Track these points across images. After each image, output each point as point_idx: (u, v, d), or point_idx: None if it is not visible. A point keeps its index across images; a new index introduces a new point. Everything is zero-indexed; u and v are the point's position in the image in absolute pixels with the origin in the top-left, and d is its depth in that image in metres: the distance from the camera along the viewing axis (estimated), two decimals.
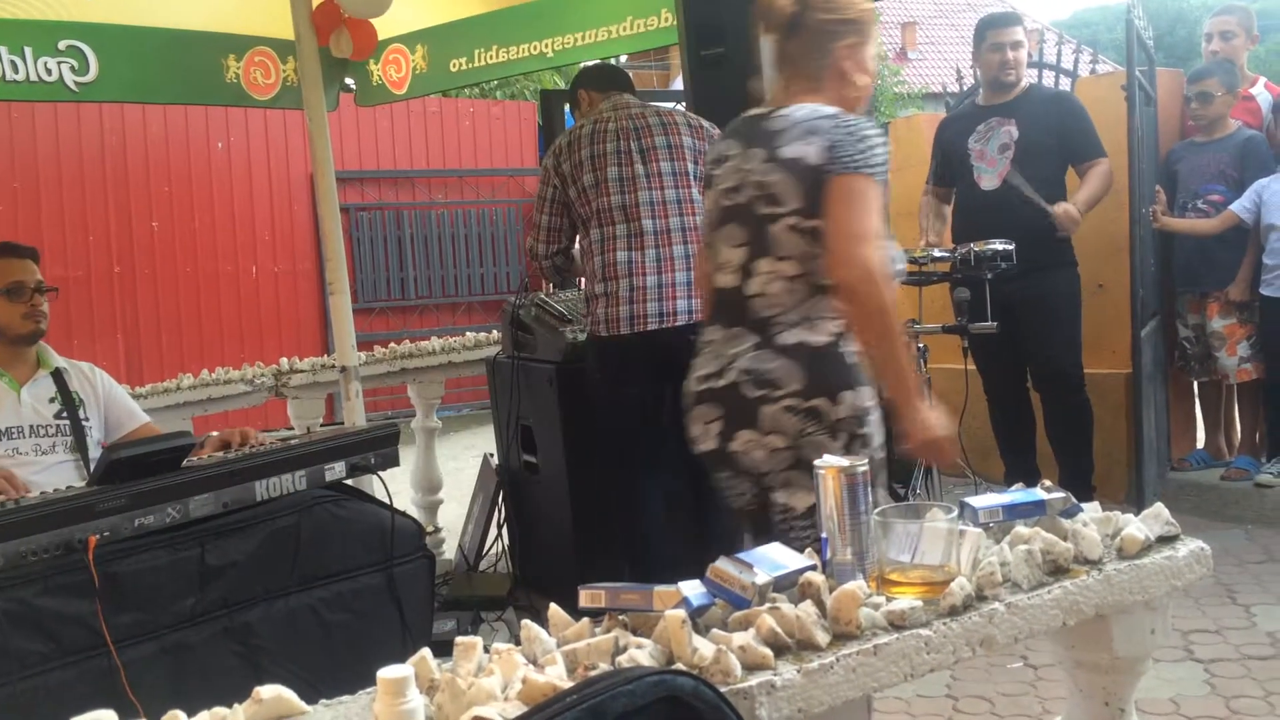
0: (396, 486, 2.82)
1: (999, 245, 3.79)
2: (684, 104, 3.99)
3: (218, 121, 7.73)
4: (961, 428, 4.12)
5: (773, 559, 1.50)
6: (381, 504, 2.61)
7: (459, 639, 1.32)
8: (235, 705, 1.25)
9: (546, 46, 4.28)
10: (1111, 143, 4.17)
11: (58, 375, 2.96)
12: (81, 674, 2.04)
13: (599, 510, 3.51)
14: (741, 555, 1.47)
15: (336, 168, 4.09)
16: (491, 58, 4.41)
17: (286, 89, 4.50)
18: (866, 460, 1.59)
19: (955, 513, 1.55)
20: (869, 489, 1.57)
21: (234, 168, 7.84)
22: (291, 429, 4.45)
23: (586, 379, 3.43)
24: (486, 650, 1.33)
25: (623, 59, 12.51)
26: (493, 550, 4.11)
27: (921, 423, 2.06)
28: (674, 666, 1.27)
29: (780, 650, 1.35)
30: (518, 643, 1.36)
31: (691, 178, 3.29)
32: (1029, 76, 4.61)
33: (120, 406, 3.06)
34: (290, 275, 8.07)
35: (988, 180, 4.22)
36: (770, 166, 2.11)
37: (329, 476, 2.49)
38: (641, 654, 1.29)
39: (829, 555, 1.56)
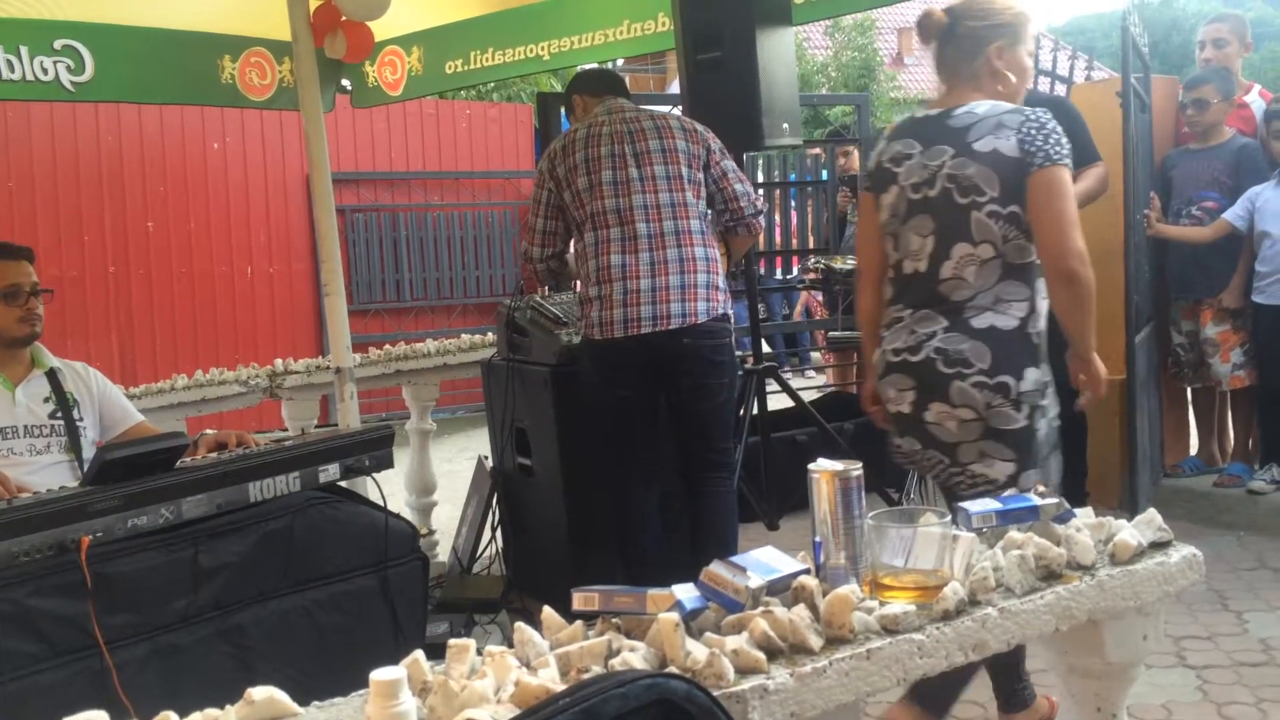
0: (391, 488, 2.82)
1: None
2: (680, 107, 4.00)
3: (214, 122, 7.72)
4: None
5: (766, 562, 1.50)
6: (375, 506, 2.61)
7: (452, 641, 1.32)
8: (227, 706, 1.25)
9: (543, 49, 4.28)
10: (1106, 149, 4.17)
11: (52, 375, 2.95)
12: (73, 675, 2.04)
13: (593, 513, 3.52)
14: (735, 559, 1.47)
15: (332, 169, 4.09)
16: (488, 60, 4.41)
17: (282, 90, 4.50)
18: (861, 465, 1.60)
19: (949, 517, 1.56)
20: (862, 493, 1.58)
21: (229, 168, 7.82)
22: (286, 430, 4.45)
23: (581, 382, 3.43)
24: (479, 652, 1.33)
25: (619, 62, 12.55)
26: (486, 553, 4.10)
27: (1095, 367, 2.38)
28: (667, 670, 1.27)
29: (773, 654, 1.35)
30: (511, 645, 1.36)
31: (685, 181, 3.29)
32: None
33: (115, 406, 3.05)
34: (285, 276, 8.05)
35: None
36: (964, 160, 2.34)
37: (323, 478, 2.49)
38: (634, 657, 1.29)
39: (822, 559, 1.56)
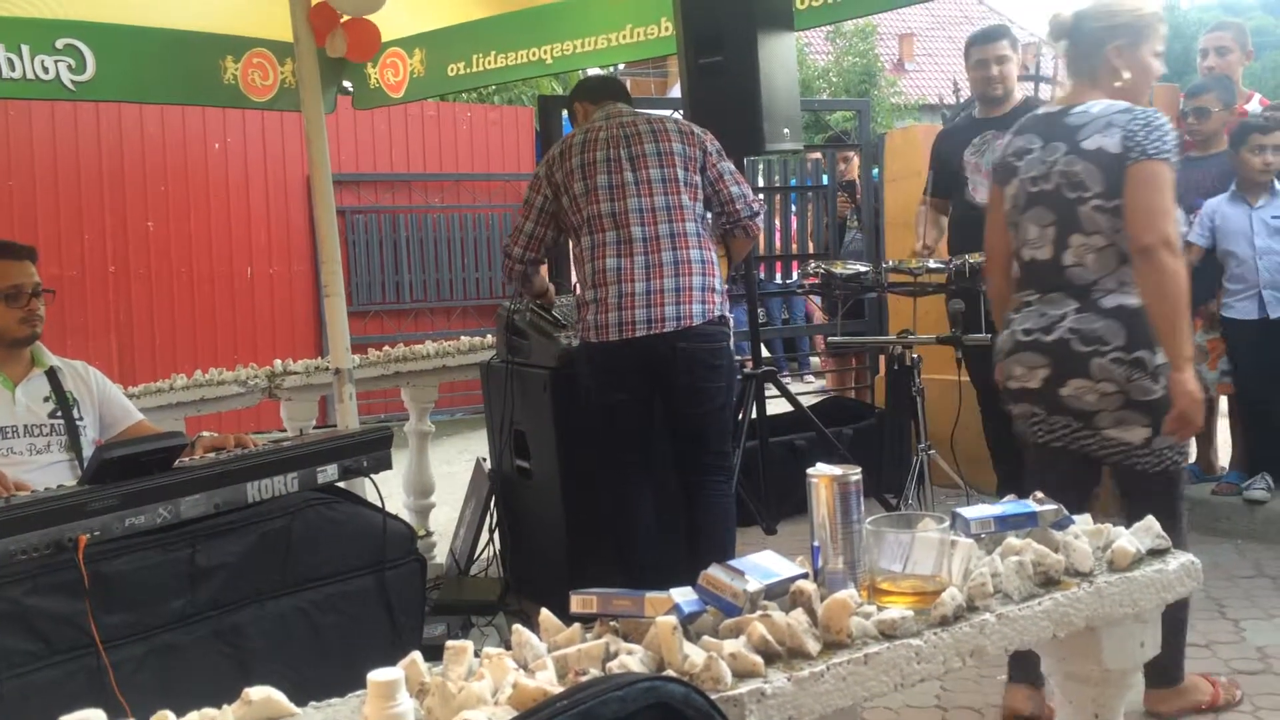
0: (389, 490, 2.82)
1: None
2: (681, 112, 4.00)
3: (215, 122, 7.72)
4: (954, 439, 4.13)
5: (764, 566, 1.50)
6: (373, 507, 2.61)
7: (450, 643, 1.32)
8: (225, 706, 1.25)
9: (545, 53, 4.29)
10: None
11: (52, 374, 2.95)
12: (70, 673, 2.04)
13: (591, 516, 3.51)
14: (733, 563, 1.47)
15: (333, 170, 4.09)
16: (490, 63, 4.41)
17: (284, 91, 4.50)
18: (859, 470, 1.60)
19: (947, 523, 1.56)
20: (861, 498, 1.58)
21: (230, 169, 7.82)
22: (284, 431, 4.45)
23: (579, 385, 3.43)
24: (477, 654, 1.33)
25: (620, 66, 12.56)
26: (484, 555, 4.10)
27: (1184, 385, 2.43)
28: (665, 673, 1.27)
29: (771, 658, 1.35)
30: (508, 647, 1.36)
31: (681, 184, 3.29)
32: (1025, 90, 4.61)
33: (115, 404, 3.05)
34: (285, 277, 8.05)
35: (982, 193, 4.21)
36: (1073, 157, 2.52)
37: (321, 479, 2.49)
38: (632, 660, 1.29)
39: (820, 563, 1.56)
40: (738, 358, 4.00)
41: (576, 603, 1.43)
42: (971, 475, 4.44)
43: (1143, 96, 2.62)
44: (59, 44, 3.93)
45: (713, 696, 1.21)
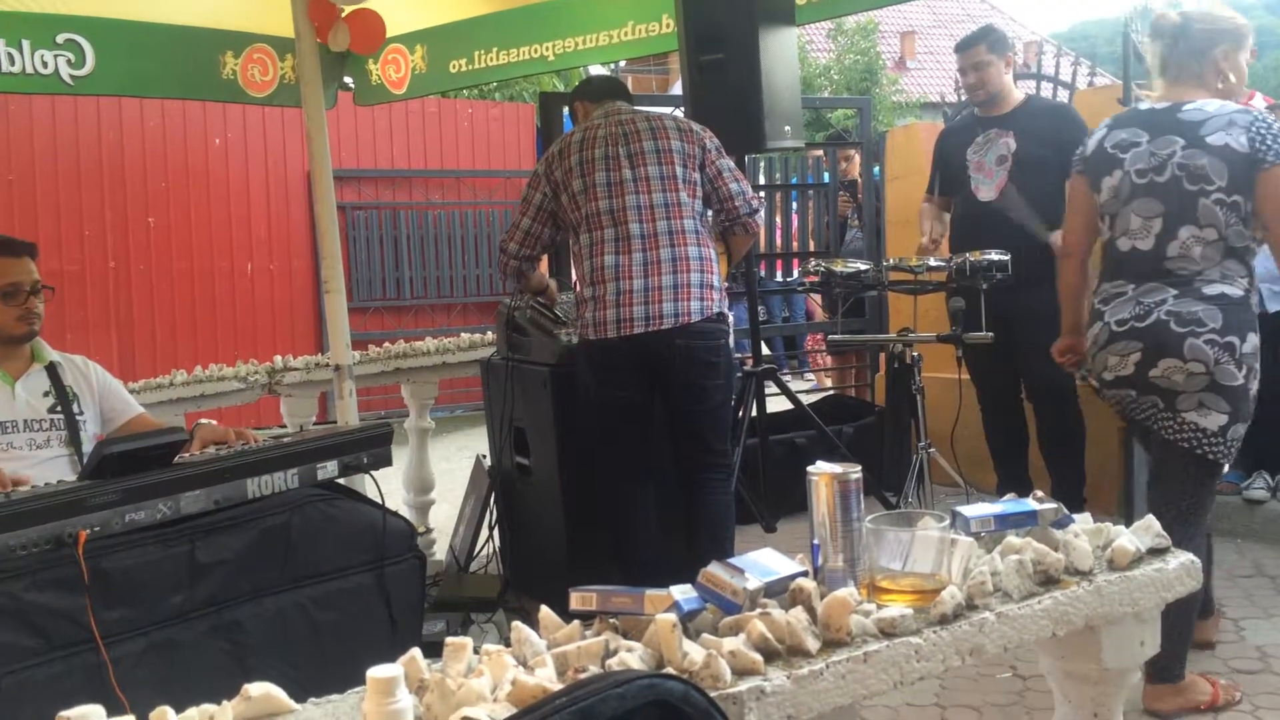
0: (389, 486, 2.82)
1: (995, 256, 3.79)
2: (682, 108, 4.00)
3: (215, 118, 7.71)
4: (954, 437, 4.13)
5: (764, 564, 1.50)
6: (373, 503, 2.61)
7: (449, 639, 1.32)
8: (224, 702, 1.25)
9: (547, 50, 4.28)
10: None
11: (51, 369, 2.94)
12: (69, 669, 2.04)
13: (591, 514, 3.51)
14: (733, 560, 1.47)
15: (334, 166, 4.08)
16: (492, 60, 4.40)
17: (284, 86, 4.49)
18: (859, 468, 1.60)
19: (947, 521, 1.56)
20: (860, 496, 1.58)
21: (231, 165, 7.81)
22: (284, 427, 4.45)
23: (579, 382, 3.43)
24: (476, 651, 1.33)
25: (621, 64, 12.55)
26: (484, 552, 4.10)
27: None
28: (664, 670, 1.27)
29: (770, 656, 1.35)
30: (508, 644, 1.36)
31: (680, 181, 3.29)
32: (1027, 88, 4.61)
33: (115, 398, 3.05)
34: (286, 273, 8.05)
35: (985, 191, 4.22)
36: (1196, 151, 2.63)
37: (321, 475, 2.49)
38: (632, 657, 1.29)
39: (820, 561, 1.56)
40: (738, 355, 3.99)
41: (576, 600, 1.43)
42: (971, 474, 4.44)
43: (1237, 98, 2.76)
44: (59, 38, 3.93)
45: (712, 694, 1.21)
